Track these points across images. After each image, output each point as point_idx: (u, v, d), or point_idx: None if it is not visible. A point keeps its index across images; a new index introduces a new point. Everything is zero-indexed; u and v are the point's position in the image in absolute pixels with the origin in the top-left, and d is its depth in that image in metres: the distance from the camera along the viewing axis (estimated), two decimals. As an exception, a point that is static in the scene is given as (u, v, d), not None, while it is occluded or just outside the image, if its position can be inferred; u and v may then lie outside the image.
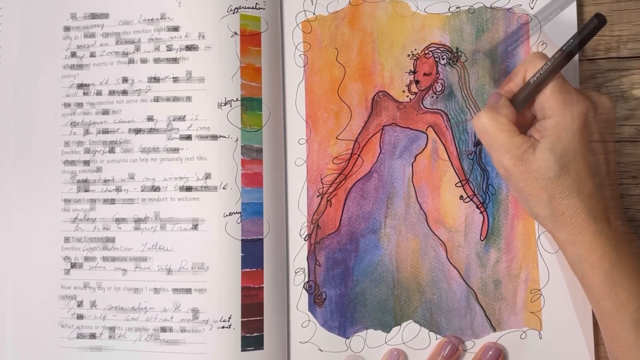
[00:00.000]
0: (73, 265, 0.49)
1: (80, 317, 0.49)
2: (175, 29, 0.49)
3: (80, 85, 0.50)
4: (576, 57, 0.48)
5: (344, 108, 0.50)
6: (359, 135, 0.50)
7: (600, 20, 0.40)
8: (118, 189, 0.49)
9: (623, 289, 0.41)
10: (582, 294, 0.47)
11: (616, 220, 0.43)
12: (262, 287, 0.47)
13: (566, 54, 0.42)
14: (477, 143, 0.49)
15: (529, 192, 0.42)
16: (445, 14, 0.50)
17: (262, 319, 0.47)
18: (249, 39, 0.49)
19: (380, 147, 0.50)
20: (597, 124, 0.42)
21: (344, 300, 0.49)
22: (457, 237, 0.49)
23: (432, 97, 0.50)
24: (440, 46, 0.50)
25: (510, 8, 0.50)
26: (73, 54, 0.50)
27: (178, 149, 0.48)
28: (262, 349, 0.47)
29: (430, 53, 0.50)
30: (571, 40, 0.42)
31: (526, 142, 0.42)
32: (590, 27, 0.41)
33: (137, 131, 0.49)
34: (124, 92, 0.49)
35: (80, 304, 0.49)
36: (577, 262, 0.42)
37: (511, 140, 0.42)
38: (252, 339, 0.47)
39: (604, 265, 0.41)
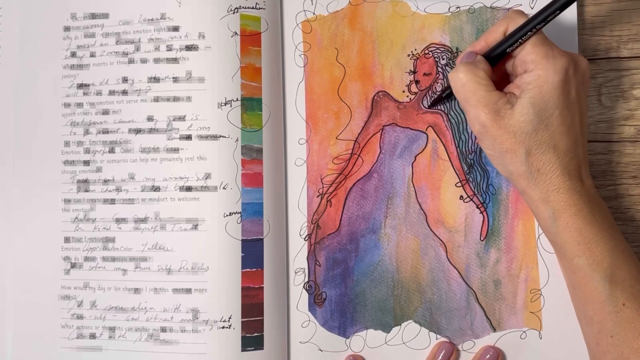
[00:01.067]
0: (73, 266, 0.49)
1: (80, 317, 0.49)
2: (175, 29, 0.49)
3: (80, 85, 0.50)
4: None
5: (344, 108, 0.50)
6: (359, 135, 0.50)
7: None
8: (118, 189, 0.49)
9: (597, 245, 0.41)
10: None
11: (588, 179, 0.43)
12: (262, 287, 0.48)
13: (550, 12, 0.41)
14: (447, 95, 0.48)
15: (505, 149, 0.42)
16: (445, 14, 0.50)
17: (262, 319, 0.47)
18: (249, 39, 0.49)
19: (380, 147, 0.50)
20: (575, 80, 0.42)
21: (344, 300, 0.49)
22: (457, 237, 0.49)
23: (432, 97, 0.50)
24: (440, 46, 0.50)
25: (511, 8, 0.50)
26: (73, 54, 0.50)
27: (178, 149, 0.48)
28: (262, 349, 0.47)
29: (430, 53, 0.50)
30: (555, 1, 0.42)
31: (503, 97, 0.42)
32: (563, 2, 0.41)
33: (137, 131, 0.49)
34: (124, 92, 0.49)
35: (80, 304, 0.49)
36: (550, 221, 0.42)
37: (489, 95, 0.42)
38: (252, 339, 0.47)
39: (578, 222, 0.41)
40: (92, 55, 0.50)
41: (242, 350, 0.47)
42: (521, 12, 0.43)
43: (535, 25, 0.41)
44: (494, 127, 0.42)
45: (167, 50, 0.49)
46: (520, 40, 0.42)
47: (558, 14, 0.42)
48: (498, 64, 0.44)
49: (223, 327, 0.47)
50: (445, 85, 0.50)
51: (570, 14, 0.49)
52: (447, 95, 0.48)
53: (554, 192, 0.42)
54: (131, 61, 0.49)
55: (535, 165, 0.42)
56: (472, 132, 0.49)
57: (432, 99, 0.50)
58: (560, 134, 0.41)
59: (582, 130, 0.43)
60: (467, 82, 0.42)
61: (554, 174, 0.41)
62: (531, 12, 0.49)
